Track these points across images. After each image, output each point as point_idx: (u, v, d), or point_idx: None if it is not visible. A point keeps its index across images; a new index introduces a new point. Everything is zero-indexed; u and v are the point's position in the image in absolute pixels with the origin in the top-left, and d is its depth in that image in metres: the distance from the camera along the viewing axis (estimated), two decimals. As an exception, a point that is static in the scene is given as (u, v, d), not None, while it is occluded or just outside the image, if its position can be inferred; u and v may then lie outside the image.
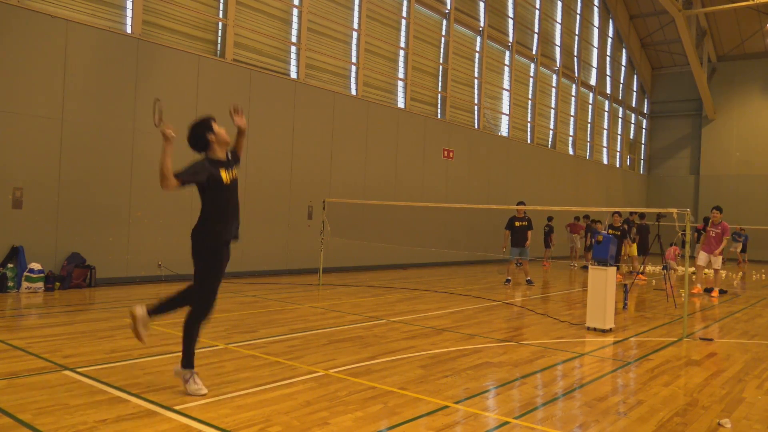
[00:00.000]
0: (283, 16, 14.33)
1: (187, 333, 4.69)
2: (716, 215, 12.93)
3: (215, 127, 4.74)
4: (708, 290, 13.36)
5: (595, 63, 29.10)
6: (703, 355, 6.96)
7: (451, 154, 19.27)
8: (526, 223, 13.48)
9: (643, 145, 35.16)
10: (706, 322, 9.53)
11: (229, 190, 4.75)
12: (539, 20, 24.23)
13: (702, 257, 13.06)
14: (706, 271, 13.48)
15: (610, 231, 13.81)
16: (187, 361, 4.69)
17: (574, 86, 27.31)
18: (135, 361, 5.59)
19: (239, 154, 5.10)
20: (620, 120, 32.24)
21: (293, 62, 14.59)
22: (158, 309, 4.74)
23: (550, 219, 20.83)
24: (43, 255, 10.01)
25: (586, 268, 19.28)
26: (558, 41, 25.75)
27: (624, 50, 32.30)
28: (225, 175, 4.72)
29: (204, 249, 4.67)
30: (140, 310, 4.66)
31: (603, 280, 8.10)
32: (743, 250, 25.69)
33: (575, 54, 27.23)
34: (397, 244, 16.26)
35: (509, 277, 13.82)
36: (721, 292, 13.57)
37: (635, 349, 7.17)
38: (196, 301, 4.71)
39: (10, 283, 9.51)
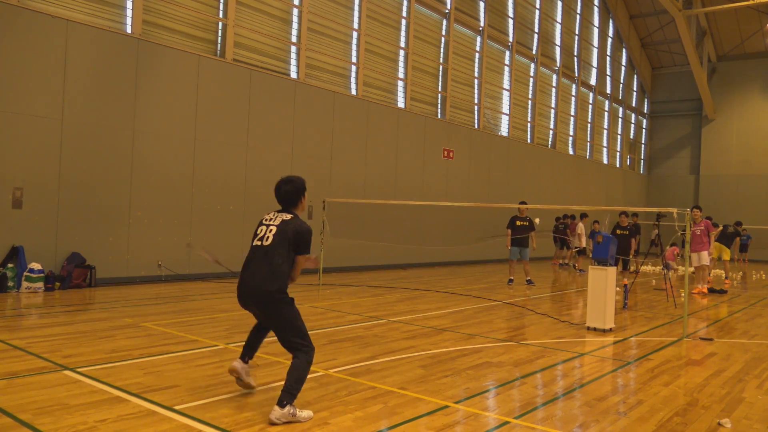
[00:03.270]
0: (283, 16, 14.33)
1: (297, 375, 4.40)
2: (697, 214, 13.02)
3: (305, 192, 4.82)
4: (711, 290, 13.40)
5: (595, 63, 29.11)
6: (703, 355, 6.96)
7: (451, 154, 19.27)
8: (527, 223, 13.51)
9: (643, 145, 35.17)
10: (706, 322, 9.53)
11: None
12: (539, 20, 24.23)
13: (693, 258, 13.12)
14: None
15: (618, 231, 13.79)
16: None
17: (574, 86, 27.31)
18: (135, 361, 5.59)
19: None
20: (620, 120, 32.24)
21: (293, 62, 14.59)
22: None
23: (564, 218, 20.68)
24: (43, 255, 10.02)
25: (565, 266, 19.19)
26: (558, 41, 25.75)
27: (624, 50, 32.31)
28: None
29: (287, 307, 4.46)
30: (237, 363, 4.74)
31: (603, 280, 8.10)
32: (744, 250, 25.67)
33: (575, 54, 27.23)
34: (397, 244, 16.25)
35: (512, 277, 13.82)
36: (722, 291, 13.59)
37: (635, 349, 7.17)
38: (298, 350, 4.45)
39: (10, 283, 9.51)
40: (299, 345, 4.37)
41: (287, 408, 4.18)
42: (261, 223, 4.65)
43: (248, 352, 4.84)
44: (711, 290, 13.41)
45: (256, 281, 4.41)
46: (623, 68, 32.37)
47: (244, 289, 4.49)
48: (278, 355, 6.04)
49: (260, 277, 4.41)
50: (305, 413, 4.29)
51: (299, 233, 4.47)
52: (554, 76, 25.71)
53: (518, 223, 13.53)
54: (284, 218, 4.56)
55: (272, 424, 4.14)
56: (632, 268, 15.94)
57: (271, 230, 4.55)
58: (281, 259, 4.45)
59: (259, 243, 4.52)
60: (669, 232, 18.75)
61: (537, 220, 13.91)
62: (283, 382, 4.21)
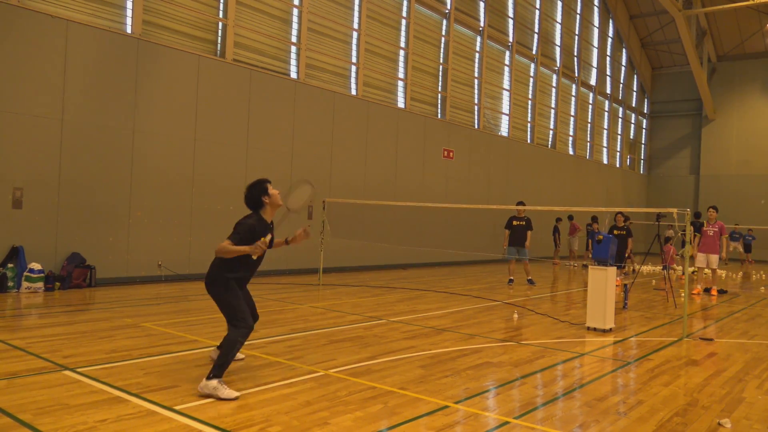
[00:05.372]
0: (283, 16, 14.33)
1: (226, 353, 4.80)
2: (713, 214, 12.93)
3: (270, 189, 5.15)
4: (707, 290, 13.37)
5: (595, 63, 29.10)
6: (703, 355, 6.96)
7: (451, 154, 19.27)
8: (524, 223, 13.51)
9: (643, 145, 35.17)
10: (706, 322, 9.53)
11: (259, 257, 5.08)
12: (539, 20, 24.23)
13: (700, 258, 13.05)
14: (706, 271, 13.48)
15: (615, 231, 13.76)
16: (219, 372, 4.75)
17: (574, 86, 27.31)
18: (135, 361, 5.59)
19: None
20: (620, 120, 32.24)
21: (293, 62, 14.59)
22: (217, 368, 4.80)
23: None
24: (43, 255, 10.01)
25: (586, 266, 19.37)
26: (558, 41, 25.75)
27: (624, 50, 32.30)
28: (263, 240, 4.99)
29: (218, 289, 4.99)
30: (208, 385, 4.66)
31: (603, 280, 8.10)
32: (748, 251, 25.74)
33: (575, 54, 27.23)
34: (397, 244, 16.25)
35: (512, 277, 13.83)
36: (721, 292, 13.58)
37: (635, 349, 7.17)
38: (232, 325, 4.93)
39: (10, 283, 9.51)
40: (232, 321, 4.91)
41: (213, 381, 4.60)
42: None
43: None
44: (707, 290, 13.38)
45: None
46: (623, 68, 32.36)
47: None
48: (278, 355, 6.05)
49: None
50: (227, 392, 4.58)
51: (236, 224, 5.00)
52: (554, 76, 25.70)
53: (515, 223, 13.54)
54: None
55: (200, 393, 4.63)
56: (630, 268, 15.93)
57: None
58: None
59: None
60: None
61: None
62: (281, 383, 4.24)
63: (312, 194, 5.48)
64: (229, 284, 4.99)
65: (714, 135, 32.35)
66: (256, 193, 5.13)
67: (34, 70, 10.04)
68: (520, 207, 12.82)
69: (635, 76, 33.82)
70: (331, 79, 15.55)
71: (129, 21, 11.43)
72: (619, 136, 32.16)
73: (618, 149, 32.16)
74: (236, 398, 4.57)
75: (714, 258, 12.86)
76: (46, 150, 10.19)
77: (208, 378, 4.63)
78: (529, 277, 13.96)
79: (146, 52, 11.46)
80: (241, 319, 4.90)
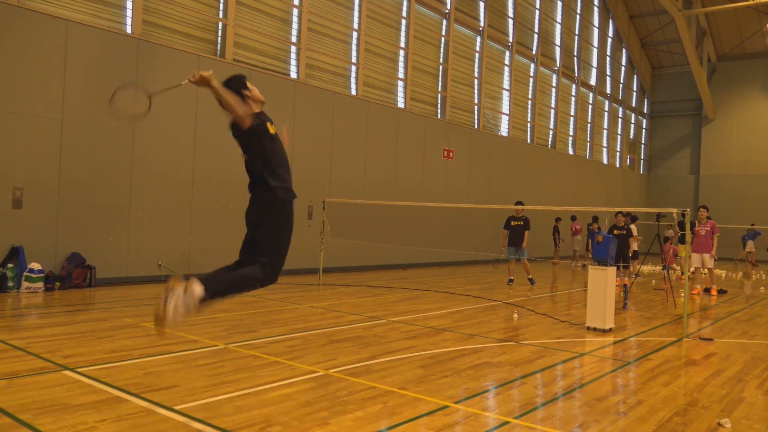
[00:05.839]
0: (283, 16, 14.33)
1: (233, 279, 4.06)
2: (703, 213, 12.91)
3: (249, 84, 4.50)
4: (707, 290, 13.36)
5: (595, 63, 29.11)
6: (703, 355, 6.96)
7: (451, 154, 19.27)
8: (522, 222, 13.51)
9: (643, 145, 35.18)
10: (706, 322, 9.53)
11: (278, 141, 4.39)
12: (539, 20, 24.23)
13: (695, 258, 13.02)
14: (704, 271, 13.47)
15: (615, 231, 13.73)
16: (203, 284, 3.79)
17: (574, 86, 27.31)
18: (135, 361, 5.59)
19: None
20: (620, 120, 32.25)
21: (293, 62, 14.59)
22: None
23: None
24: (43, 255, 10.01)
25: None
26: (558, 41, 25.75)
27: (624, 50, 32.31)
28: (270, 127, 4.37)
29: (275, 208, 4.27)
30: (197, 288, 3.72)
31: (603, 280, 8.10)
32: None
33: (575, 54, 27.23)
34: (397, 244, 16.25)
35: (512, 277, 13.83)
36: (722, 292, 13.58)
37: (635, 349, 7.17)
38: (261, 266, 4.19)
39: (10, 283, 9.51)
40: (264, 260, 4.20)
41: (196, 289, 3.70)
42: None
43: None
44: (707, 290, 13.38)
45: None
46: (623, 68, 32.37)
47: None
48: (278, 355, 6.05)
49: None
50: (178, 307, 3.60)
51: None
52: (554, 76, 25.70)
53: (513, 223, 13.55)
54: None
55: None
56: (631, 269, 15.90)
57: None
58: (249, 161, 4.35)
59: None
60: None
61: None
62: (281, 383, 4.20)
63: (134, 88, 4.64)
64: (289, 216, 4.29)
65: (714, 135, 32.36)
66: (235, 88, 4.44)
67: (34, 70, 10.04)
68: (519, 207, 12.82)
69: (635, 76, 33.82)
70: (331, 79, 15.55)
71: (129, 21, 11.43)
72: (619, 136, 32.16)
73: (618, 149, 32.16)
74: (166, 326, 3.60)
75: (707, 258, 12.85)
76: (46, 150, 10.19)
77: (204, 296, 3.73)
78: (530, 276, 13.96)
79: (146, 52, 11.46)
80: (273, 267, 4.21)
